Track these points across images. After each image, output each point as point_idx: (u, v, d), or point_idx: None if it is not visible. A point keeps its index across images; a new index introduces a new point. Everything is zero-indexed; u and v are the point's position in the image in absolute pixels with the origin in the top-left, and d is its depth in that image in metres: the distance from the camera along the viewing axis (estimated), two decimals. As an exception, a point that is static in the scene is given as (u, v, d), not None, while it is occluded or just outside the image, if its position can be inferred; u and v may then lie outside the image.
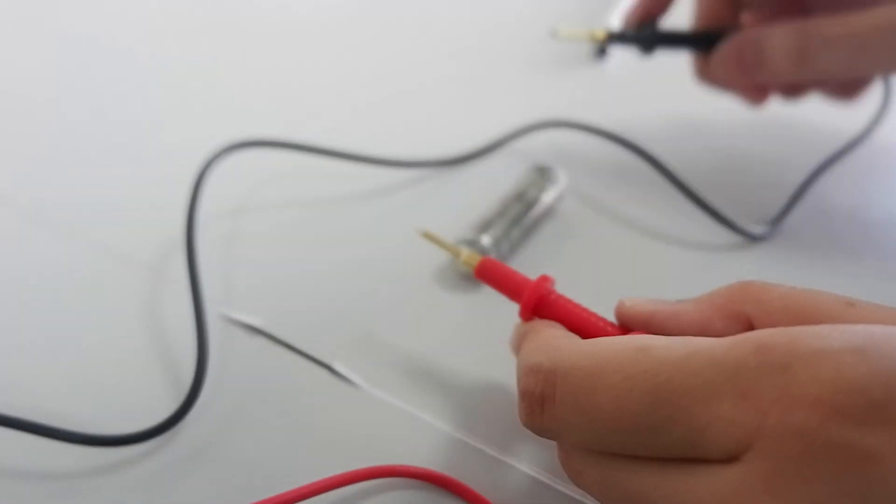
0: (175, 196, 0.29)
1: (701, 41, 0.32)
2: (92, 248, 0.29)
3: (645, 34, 0.33)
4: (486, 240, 0.27)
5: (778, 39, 0.28)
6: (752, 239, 0.30)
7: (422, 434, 0.23)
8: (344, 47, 0.44)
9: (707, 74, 0.33)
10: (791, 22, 0.29)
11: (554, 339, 0.19)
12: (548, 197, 0.30)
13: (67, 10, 0.46)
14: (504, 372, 0.25)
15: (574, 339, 0.19)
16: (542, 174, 0.30)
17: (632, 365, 0.16)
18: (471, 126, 0.36)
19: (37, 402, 0.23)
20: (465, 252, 0.24)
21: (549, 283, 0.22)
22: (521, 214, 0.28)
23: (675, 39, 0.33)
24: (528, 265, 0.29)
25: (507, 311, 0.24)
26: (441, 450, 0.23)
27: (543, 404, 0.18)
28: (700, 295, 0.20)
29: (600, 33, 0.33)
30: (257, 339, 0.26)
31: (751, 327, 0.18)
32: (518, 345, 0.21)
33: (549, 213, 0.30)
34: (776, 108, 0.35)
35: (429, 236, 0.25)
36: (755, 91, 0.32)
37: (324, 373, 0.25)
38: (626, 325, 0.21)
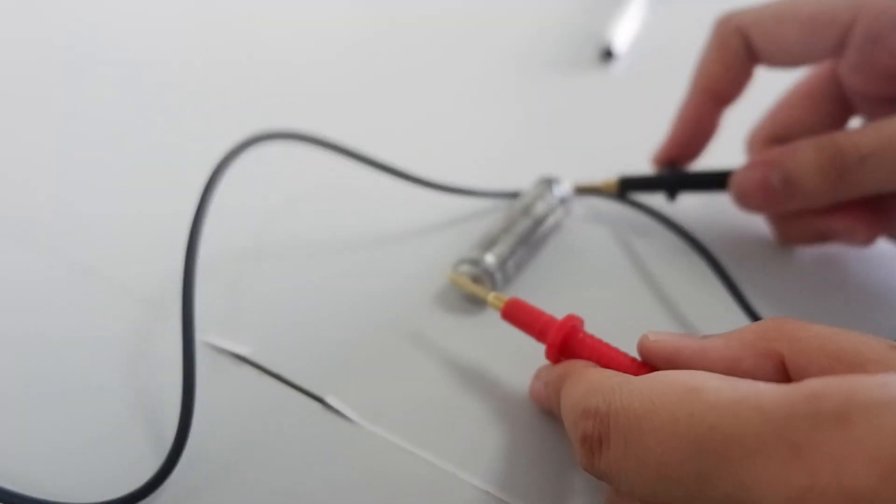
0: (170, 221, 0.27)
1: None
2: (75, 270, 0.28)
3: (666, 178, 0.29)
4: (489, 259, 0.25)
5: (806, 155, 0.25)
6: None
7: (421, 474, 0.21)
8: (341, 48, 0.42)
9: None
10: (817, 137, 0.25)
11: (607, 380, 0.18)
12: (555, 210, 0.28)
13: (54, 13, 0.44)
14: (508, 405, 0.23)
15: (627, 378, 0.18)
16: (550, 186, 0.28)
17: (679, 407, 0.15)
18: (469, 135, 0.35)
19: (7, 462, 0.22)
20: (492, 294, 0.22)
21: (574, 321, 0.21)
22: (527, 230, 0.27)
23: (702, 181, 0.28)
24: (534, 283, 0.27)
25: (512, 338, 0.22)
26: (442, 491, 0.21)
27: (601, 448, 0.17)
28: (730, 331, 0.19)
29: (612, 184, 0.29)
30: (245, 370, 0.24)
31: (783, 367, 0.17)
32: (557, 387, 0.20)
33: (556, 226, 0.29)
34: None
35: (455, 280, 0.25)
36: (791, 225, 0.28)
37: (316, 406, 0.23)
38: (649, 362, 0.20)
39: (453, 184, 0.30)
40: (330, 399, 0.23)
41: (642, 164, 0.30)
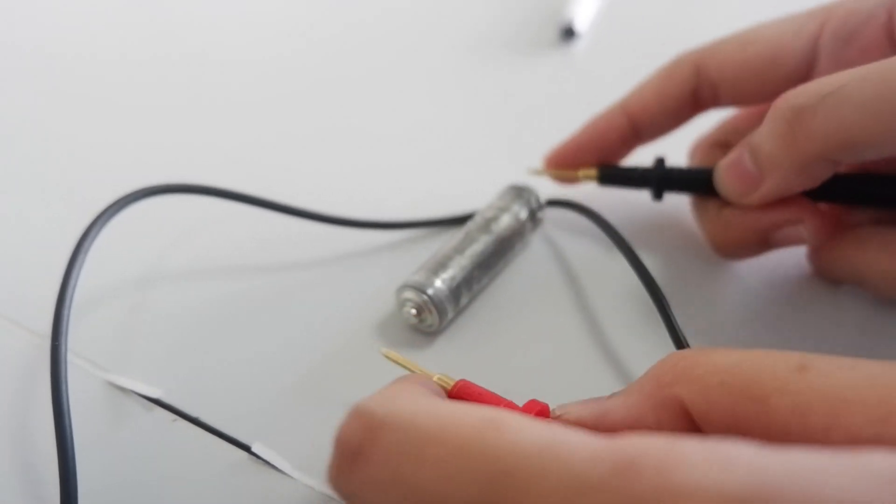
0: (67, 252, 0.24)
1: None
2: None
3: (652, 175, 0.26)
4: (438, 284, 0.23)
5: (765, 121, 0.22)
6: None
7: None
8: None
9: (720, 232, 0.26)
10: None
11: (405, 392, 0.16)
12: (522, 225, 0.26)
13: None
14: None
15: (426, 392, 0.17)
16: (519, 196, 0.26)
17: (474, 440, 0.13)
18: (423, 127, 0.32)
19: None
20: (436, 377, 0.19)
21: (538, 408, 0.18)
22: (487, 250, 0.25)
23: (690, 180, 0.26)
24: (491, 314, 0.25)
25: (465, 374, 0.20)
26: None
27: (356, 460, 0.14)
28: (633, 382, 0.17)
29: (591, 173, 0.27)
30: (158, 414, 0.22)
31: (686, 414, 0.15)
32: None
33: (523, 243, 0.26)
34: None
35: (391, 357, 0.21)
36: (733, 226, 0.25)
37: (241, 455, 0.21)
38: None
39: (381, 218, 0.27)
40: (256, 447, 0.21)
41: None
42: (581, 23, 0.39)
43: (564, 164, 0.27)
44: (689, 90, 0.25)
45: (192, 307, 0.25)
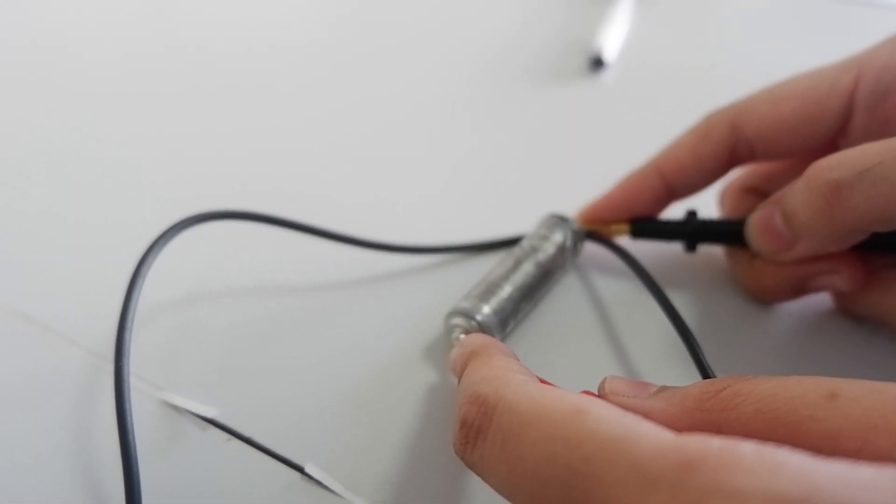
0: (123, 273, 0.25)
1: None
2: (28, 330, 0.26)
3: (685, 228, 0.27)
4: (486, 311, 0.24)
5: (797, 185, 0.23)
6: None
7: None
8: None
9: (753, 280, 0.27)
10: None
11: (506, 371, 0.19)
12: (563, 255, 0.27)
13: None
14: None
15: (526, 377, 0.19)
16: (559, 225, 0.28)
17: (562, 427, 0.15)
18: (457, 155, 0.33)
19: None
20: None
21: None
22: (532, 279, 0.26)
23: (722, 232, 0.27)
24: (532, 341, 0.26)
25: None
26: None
27: (477, 437, 0.17)
28: (674, 390, 0.19)
29: (623, 228, 0.28)
30: (212, 434, 0.23)
31: None
32: (462, 365, 0.21)
33: (563, 272, 0.28)
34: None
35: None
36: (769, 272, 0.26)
37: (294, 476, 0.22)
38: None
39: (429, 243, 0.29)
40: (309, 468, 0.22)
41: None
42: (610, 53, 0.41)
43: (596, 220, 0.28)
44: (726, 149, 0.26)
45: (244, 328, 0.26)
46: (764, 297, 0.27)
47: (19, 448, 0.23)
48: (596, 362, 0.26)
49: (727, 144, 0.26)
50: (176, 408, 0.24)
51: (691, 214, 0.28)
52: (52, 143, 0.36)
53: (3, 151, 0.35)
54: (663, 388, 0.19)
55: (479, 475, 0.18)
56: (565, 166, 0.34)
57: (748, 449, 0.13)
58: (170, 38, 0.43)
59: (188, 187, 0.33)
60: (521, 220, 0.30)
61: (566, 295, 0.28)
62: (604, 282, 0.28)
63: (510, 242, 0.29)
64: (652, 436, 0.14)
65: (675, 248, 0.29)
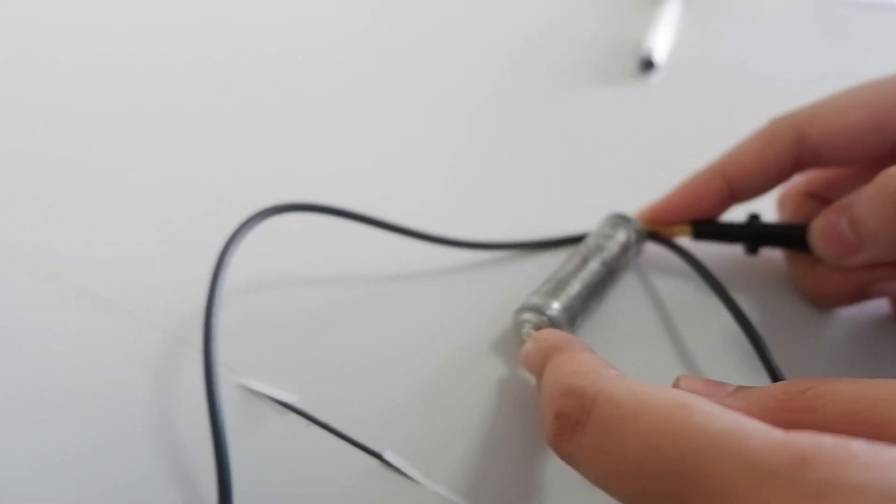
0: (205, 261, 0.26)
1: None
2: (109, 314, 0.27)
3: (748, 231, 0.28)
4: (556, 306, 0.25)
5: (866, 192, 0.24)
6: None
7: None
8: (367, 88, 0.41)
9: (814, 284, 0.28)
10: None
11: (599, 367, 0.20)
12: (627, 253, 0.28)
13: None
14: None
15: (616, 371, 0.20)
16: (621, 225, 0.28)
17: (666, 420, 0.16)
18: (510, 156, 0.34)
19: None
20: None
21: None
22: (598, 276, 0.27)
23: (786, 236, 0.28)
24: (599, 331, 0.27)
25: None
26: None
27: (575, 429, 0.18)
28: (754, 390, 0.19)
29: (685, 229, 0.29)
30: (290, 419, 0.24)
31: None
32: (539, 359, 0.22)
33: (625, 271, 0.29)
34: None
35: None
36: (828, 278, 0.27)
37: (373, 463, 0.23)
38: None
39: (499, 239, 0.30)
40: (388, 454, 0.23)
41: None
42: (660, 54, 0.41)
43: (658, 221, 0.29)
44: (791, 155, 0.27)
45: (319, 317, 0.27)
46: (823, 302, 0.28)
47: (105, 429, 0.24)
48: (658, 361, 0.26)
49: (793, 150, 0.27)
50: (255, 393, 0.24)
51: (754, 217, 0.28)
52: (135, 142, 0.36)
53: (88, 148, 0.35)
54: (740, 388, 0.20)
55: (573, 465, 0.18)
56: (615, 168, 0.35)
57: (862, 445, 0.14)
58: (222, 46, 0.44)
59: (258, 182, 0.34)
60: (570, 219, 0.31)
61: (627, 294, 0.29)
62: (663, 282, 0.29)
63: (568, 241, 0.30)
64: (762, 431, 0.15)
65: (732, 250, 0.30)
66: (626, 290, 0.29)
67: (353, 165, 0.35)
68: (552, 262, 0.29)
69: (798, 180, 0.29)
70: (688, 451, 0.15)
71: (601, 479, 0.17)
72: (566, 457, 0.18)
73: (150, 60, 0.41)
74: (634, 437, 0.16)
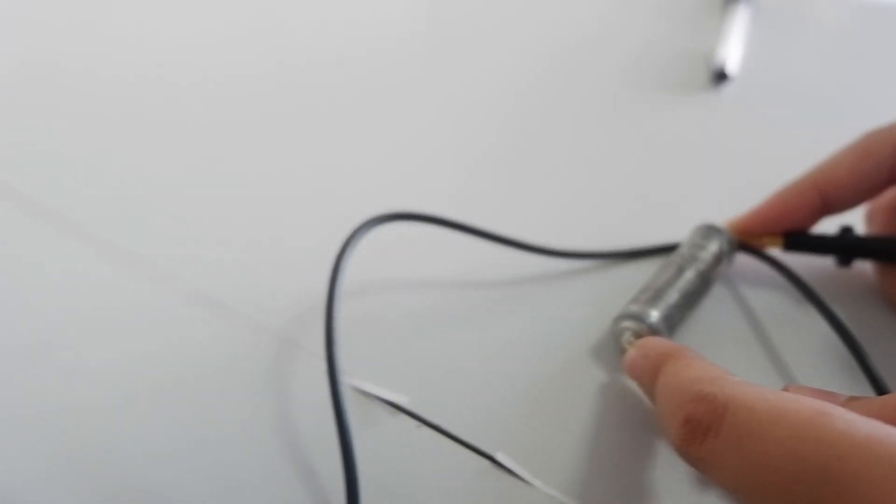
0: (318, 266, 0.28)
1: None
2: (225, 316, 0.28)
3: (841, 243, 0.28)
4: (654, 314, 0.26)
5: None
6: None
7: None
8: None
9: None
10: None
11: (725, 374, 0.20)
12: (720, 263, 0.29)
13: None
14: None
15: (739, 378, 0.20)
16: (712, 236, 0.29)
17: (807, 427, 0.16)
18: (587, 169, 0.35)
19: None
20: None
21: None
22: (694, 285, 0.27)
23: (881, 250, 0.28)
24: (693, 341, 0.28)
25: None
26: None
27: (706, 434, 0.18)
28: (869, 401, 0.20)
29: (776, 240, 0.29)
30: (400, 421, 0.25)
31: None
32: (657, 363, 0.22)
33: (716, 279, 0.29)
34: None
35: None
36: None
37: (484, 464, 0.24)
38: None
39: (591, 249, 0.31)
40: (500, 456, 0.24)
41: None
42: (732, 65, 0.42)
43: (750, 232, 0.29)
44: (887, 169, 0.27)
45: (423, 321, 0.28)
46: None
47: (226, 427, 0.25)
48: (753, 372, 0.27)
49: (889, 164, 0.27)
50: (366, 394, 0.25)
51: (846, 230, 0.29)
52: (250, 150, 0.38)
53: (205, 156, 0.37)
54: (853, 398, 0.20)
55: (701, 469, 0.19)
56: (693, 180, 0.35)
57: None
58: (326, 52, 0.45)
59: (363, 190, 0.35)
60: (650, 230, 0.31)
61: (717, 305, 0.29)
62: (754, 293, 0.30)
63: (655, 251, 0.31)
64: None
65: (821, 261, 0.30)
66: (717, 301, 0.29)
67: (449, 173, 0.36)
68: (638, 271, 0.30)
69: (888, 194, 0.30)
70: (832, 457, 0.16)
71: (734, 484, 0.18)
72: (695, 461, 0.19)
73: (258, 67, 0.42)
74: (773, 443, 0.17)
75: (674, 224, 0.31)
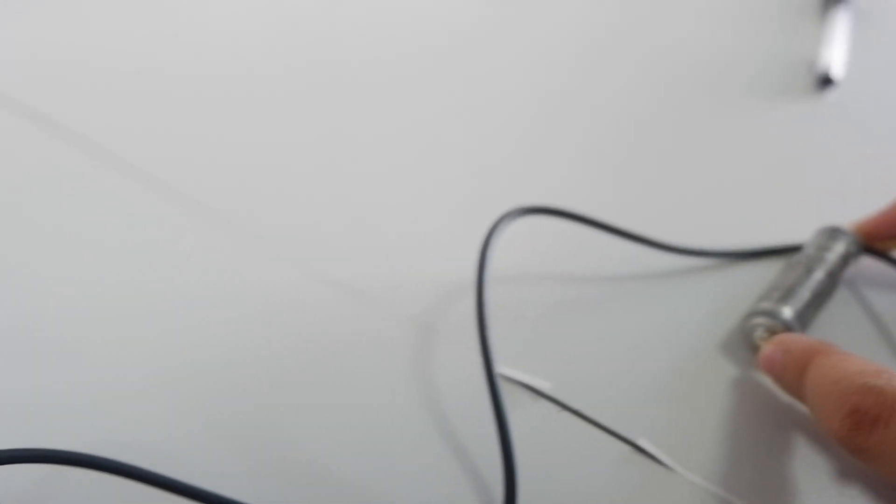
0: (459, 255, 0.29)
1: None
2: (364, 302, 0.30)
3: None
4: (787, 312, 0.27)
5: None
6: None
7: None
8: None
9: None
10: None
11: (883, 366, 0.21)
12: (846, 263, 0.29)
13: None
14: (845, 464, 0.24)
15: None
16: (836, 237, 0.29)
17: None
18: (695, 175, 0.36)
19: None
20: None
21: None
22: (823, 284, 0.28)
23: None
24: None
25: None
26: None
27: (874, 425, 0.20)
28: None
29: None
30: (542, 406, 0.26)
31: None
32: (803, 359, 0.23)
33: (840, 280, 0.30)
34: None
35: None
36: None
37: (625, 449, 0.25)
38: None
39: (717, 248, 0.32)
40: (643, 442, 0.25)
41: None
42: (837, 70, 0.42)
43: (875, 236, 0.30)
44: None
45: (560, 310, 0.30)
46: None
47: (373, 411, 0.26)
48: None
49: None
50: (509, 379, 0.27)
51: None
52: (388, 139, 0.39)
53: (345, 144, 0.38)
54: None
55: (867, 460, 0.20)
56: (801, 184, 0.36)
57: None
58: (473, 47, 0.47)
59: (497, 183, 0.36)
60: (761, 232, 0.32)
61: (840, 307, 0.30)
62: (878, 296, 0.30)
63: (775, 252, 0.31)
64: None
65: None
66: (841, 304, 0.30)
67: (578, 171, 0.37)
68: (753, 271, 0.31)
69: None
70: None
71: None
72: (860, 451, 0.20)
73: (404, 61, 0.44)
74: None
75: (788, 226, 0.32)
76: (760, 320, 0.27)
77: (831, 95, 0.42)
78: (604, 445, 0.25)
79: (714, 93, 0.42)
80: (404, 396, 0.27)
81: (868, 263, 0.31)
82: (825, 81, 0.42)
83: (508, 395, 0.26)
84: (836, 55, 0.43)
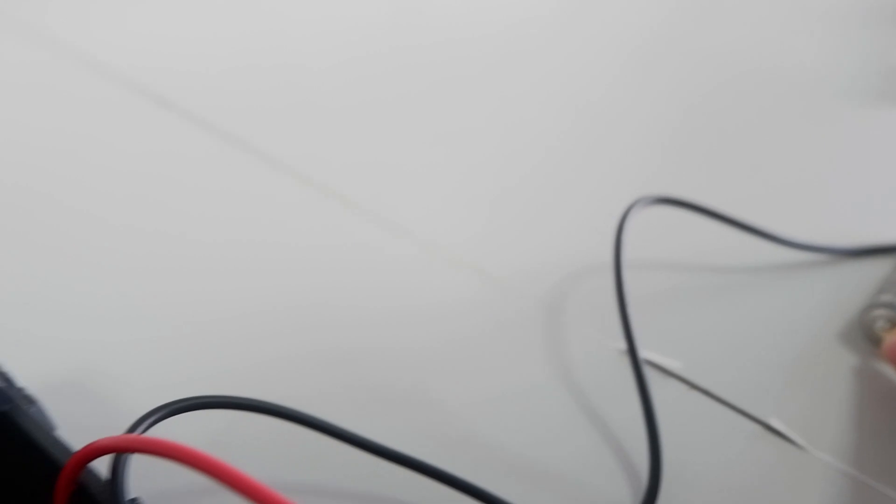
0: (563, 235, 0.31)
1: None
2: (490, 282, 0.31)
3: None
4: (908, 303, 0.28)
5: None
6: None
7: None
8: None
9: None
10: None
11: None
12: None
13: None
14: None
15: None
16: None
17: None
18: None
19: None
20: None
21: None
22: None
23: None
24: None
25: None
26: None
27: None
28: None
29: None
30: (671, 386, 0.27)
31: None
32: None
33: None
34: None
35: None
36: None
37: (755, 428, 0.26)
38: None
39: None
40: (773, 421, 0.26)
41: None
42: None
43: None
44: None
45: (686, 295, 0.31)
46: None
47: (510, 384, 0.27)
48: None
49: None
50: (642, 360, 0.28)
51: None
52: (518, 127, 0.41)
53: (471, 131, 0.40)
54: None
55: None
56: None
57: None
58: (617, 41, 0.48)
59: (622, 173, 0.38)
60: (862, 232, 0.33)
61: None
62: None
63: (887, 250, 0.33)
64: None
65: None
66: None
67: (700, 167, 0.39)
68: (862, 268, 0.32)
69: None
70: None
71: None
72: None
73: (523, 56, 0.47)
74: None
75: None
76: (882, 312, 0.28)
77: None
78: (733, 425, 0.26)
79: (827, 97, 0.43)
80: (538, 372, 0.28)
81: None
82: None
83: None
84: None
